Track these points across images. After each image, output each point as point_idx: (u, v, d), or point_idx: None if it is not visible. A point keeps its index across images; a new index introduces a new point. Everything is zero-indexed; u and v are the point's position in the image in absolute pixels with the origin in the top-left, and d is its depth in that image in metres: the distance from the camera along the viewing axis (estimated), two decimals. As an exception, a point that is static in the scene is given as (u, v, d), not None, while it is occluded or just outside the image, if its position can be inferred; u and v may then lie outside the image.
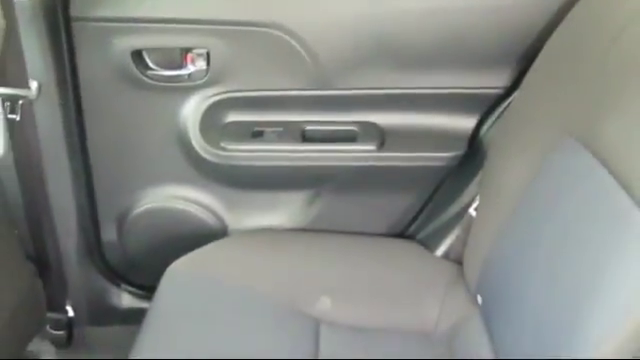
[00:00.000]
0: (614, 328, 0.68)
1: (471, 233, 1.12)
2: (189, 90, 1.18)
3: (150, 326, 1.04)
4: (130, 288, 1.40)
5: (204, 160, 1.20)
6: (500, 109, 1.17)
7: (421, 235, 1.29)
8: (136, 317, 1.12)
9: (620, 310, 0.69)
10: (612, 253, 0.73)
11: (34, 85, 1.11)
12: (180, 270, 1.13)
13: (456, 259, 1.19)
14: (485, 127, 1.19)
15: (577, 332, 0.73)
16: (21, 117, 1.10)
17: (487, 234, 1.04)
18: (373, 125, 1.21)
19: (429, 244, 1.25)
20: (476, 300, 1.05)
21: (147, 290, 1.31)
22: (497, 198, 1.05)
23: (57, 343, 1.41)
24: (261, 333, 1.04)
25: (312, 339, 1.04)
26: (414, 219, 1.29)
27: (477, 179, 1.18)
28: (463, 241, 1.17)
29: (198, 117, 1.19)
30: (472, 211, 1.14)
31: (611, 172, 0.77)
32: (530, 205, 0.94)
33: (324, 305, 1.10)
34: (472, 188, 1.19)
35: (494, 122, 1.18)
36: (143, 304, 1.31)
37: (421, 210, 1.28)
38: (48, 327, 1.38)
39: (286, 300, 1.09)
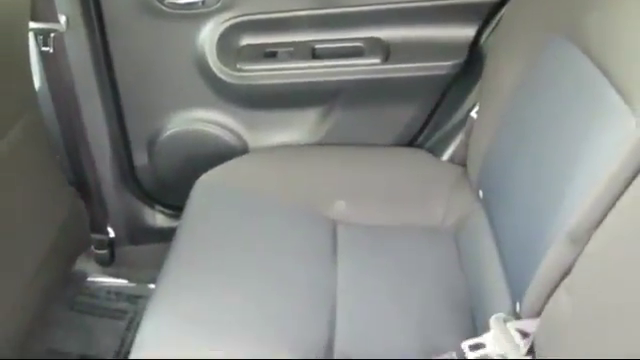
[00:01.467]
0: (588, 196, 0.76)
1: (472, 135, 1.20)
2: (204, 16, 1.26)
3: (184, 232, 1.15)
4: (163, 209, 1.52)
5: (222, 82, 1.29)
6: (497, 17, 1.23)
7: (429, 144, 1.38)
8: (170, 235, 1.22)
9: (593, 182, 0.77)
10: (592, 133, 0.81)
11: (63, 19, 1.20)
12: (207, 183, 1.24)
13: (460, 162, 1.28)
14: (484, 35, 1.26)
15: (560, 203, 0.82)
16: (53, 49, 1.20)
17: (486, 133, 1.12)
18: (378, 40, 1.28)
19: (436, 151, 1.35)
20: (478, 195, 1.14)
21: (179, 210, 1.43)
22: (494, 99, 1.13)
23: (101, 262, 1.55)
24: (284, 234, 1.15)
25: (330, 237, 1.15)
26: (421, 129, 1.37)
27: (478, 85, 1.26)
28: (466, 144, 1.25)
29: (214, 41, 1.28)
30: (473, 114, 1.23)
31: (595, 64, 0.83)
32: (522, 101, 1.02)
33: (340, 208, 1.21)
34: (474, 94, 1.27)
35: (492, 30, 1.24)
36: (176, 223, 1.42)
37: (428, 120, 1.36)
38: (92, 247, 1.53)
39: (305, 205, 1.20)
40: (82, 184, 1.43)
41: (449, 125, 1.33)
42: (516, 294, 0.89)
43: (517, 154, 1.00)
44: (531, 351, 0.81)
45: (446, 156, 1.32)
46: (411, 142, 1.39)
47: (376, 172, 1.29)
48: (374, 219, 1.20)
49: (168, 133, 1.39)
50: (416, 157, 1.34)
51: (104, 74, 1.28)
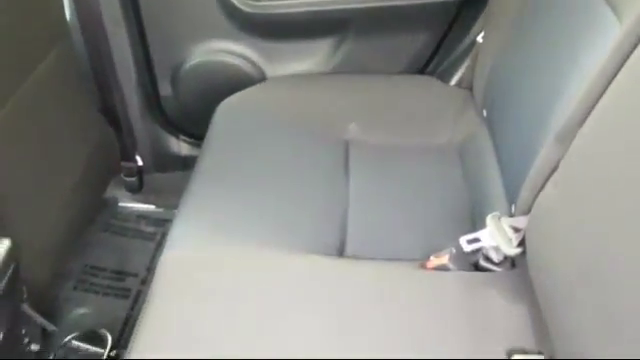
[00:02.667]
0: (574, 99, 0.83)
1: (478, 58, 1.26)
2: (225, -51, 1.33)
3: (206, 152, 1.24)
4: (187, 137, 1.61)
5: (242, 12, 1.35)
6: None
7: (438, 71, 1.44)
8: (194, 163, 1.29)
9: (580, 87, 0.84)
10: (583, 43, 0.87)
11: (91, -50, 1.27)
12: (227, 108, 1.32)
13: (467, 86, 1.35)
14: (490, -39, 1.31)
15: (552, 109, 0.88)
16: (82, -21, 1.27)
17: (490, 55, 1.19)
18: (388, -31, 1.34)
19: (444, 77, 1.41)
20: (482, 114, 1.21)
21: (201, 139, 1.52)
22: (499, 22, 1.18)
23: (130, 188, 1.65)
24: (300, 154, 1.23)
25: (343, 156, 1.23)
26: (431, 57, 1.44)
27: (485, 12, 1.31)
28: (472, 69, 1.32)
29: (234, -27, 1.34)
30: (479, 39, 1.29)
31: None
32: (525, 22, 1.07)
33: (352, 130, 1.29)
34: (481, 21, 1.33)
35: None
36: (199, 151, 1.52)
37: (437, 47, 1.42)
38: (122, 175, 1.63)
39: (320, 128, 1.28)
40: (111, 113, 1.52)
41: (457, 52, 1.39)
42: (511, 197, 0.97)
43: (518, 70, 1.06)
44: (522, 244, 0.89)
45: (454, 81, 1.39)
46: (421, 70, 1.46)
47: (386, 97, 1.36)
48: (384, 140, 1.28)
49: (190, 63, 1.47)
50: (425, 83, 1.40)
51: (130, 6, 1.35)
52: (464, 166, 1.20)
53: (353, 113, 1.31)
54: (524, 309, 0.86)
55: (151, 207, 1.67)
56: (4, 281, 0.84)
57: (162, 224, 1.65)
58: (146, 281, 1.48)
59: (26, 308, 0.93)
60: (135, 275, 1.49)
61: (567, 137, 0.81)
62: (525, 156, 0.92)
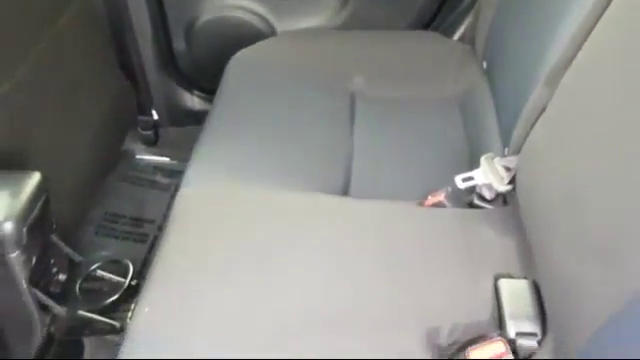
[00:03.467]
0: (562, 43, 0.89)
1: (479, 12, 1.31)
2: None
3: (219, 101, 1.31)
4: (200, 93, 1.68)
5: (252, -32, 1.42)
6: None
7: (442, 27, 1.49)
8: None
9: (568, 33, 0.89)
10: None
11: None
12: (238, 61, 1.39)
13: (469, 42, 1.40)
14: None
15: (544, 55, 0.94)
16: None
17: (490, 8, 1.24)
18: None
19: (448, 33, 1.47)
20: (482, 67, 1.26)
21: (214, 94, 1.59)
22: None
23: (147, 142, 1.73)
24: (308, 104, 1.29)
25: (348, 107, 1.29)
26: (435, 13, 1.49)
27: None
28: (474, 24, 1.37)
29: None
30: (481, -6, 1.34)
31: None
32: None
33: (358, 83, 1.35)
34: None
35: None
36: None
37: (441, 4, 1.47)
38: (139, 129, 1.71)
39: (327, 81, 1.33)
40: (128, 68, 1.59)
41: (460, 8, 1.44)
42: (505, 141, 1.03)
43: (514, 22, 1.12)
44: (512, 182, 0.96)
45: (457, 36, 1.44)
46: (425, 26, 1.51)
47: (392, 52, 1.42)
48: (389, 92, 1.33)
49: (203, 20, 1.53)
50: (429, 39, 1.46)
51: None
52: (464, 116, 1.26)
53: (359, 67, 1.37)
54: (512, 241, 0.93)
55: (166, 160, 1.75)
56: (35, 211, 0.92)
57: (176, 176, 1.72)
58: (162, 227, 1.57)
59: (55, 238, 1.01)
60: (152, 222, 1.57)
61: (555, 80, 0.87)
62: (518, 101, 0.98)
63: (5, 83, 1.08)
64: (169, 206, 1.61)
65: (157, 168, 1.73)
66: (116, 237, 1.53)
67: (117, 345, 0.86)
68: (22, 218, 0.89)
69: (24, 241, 0.90)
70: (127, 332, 0.86)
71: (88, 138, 1.39)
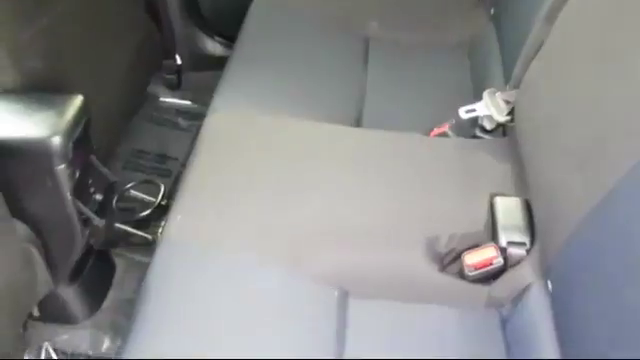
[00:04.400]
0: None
1: (488, -39, 1.38)
2: None
3: (243, 40, 1.39)
4: (222, 39, 1.77)
5: None
6: None
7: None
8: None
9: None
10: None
11: None
12: (259, 5, 1.47)
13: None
14: None
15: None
16: None
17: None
18: None
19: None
20: (490, 14, 1.34)
21: (234, 41, 1.67)
22: None
23: (170, 85, 1.82)
24: (325, 47, 1.37)
25: (363, 50, 1.38)
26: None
27: None
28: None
29: None
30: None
31: None
32: None
33: (372, 27, 1.43)
34: None
35: None
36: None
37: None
38: (163, 73, 1.80)
39: (343, 25, 1.42)
40: (154, 12, 1.67)
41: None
42: (508, 78, 1.11)
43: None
44: (510, 114, 1.04)
45: (466, -14, 1.51)
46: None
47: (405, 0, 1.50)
48: (401, 37, 1.42)
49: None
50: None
51: None
52: (471, 59, 1.34)
53: (374, 12, 1.45)
54: (508, 167, 1.02)
55: (187, 103, 1.84)
56: (79, 130, 1.02)
57: (198, 118, 1.83)
58: (185, 164, 1.67)
59: (94, 159, 1.11)
60: (175, 159, 1.68)
61: (554, 15, 0.95)
62: (521, 39, 1.06)
63: (46, 16, 1.17)
64: (193, 142, 1.75)
65: (179, 111, 1.83)
66: (142, 172, 1.64)
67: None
68: (68, 134, 0.99)
69: (70, 156, 1.00)
70: (161, 237, 0.97)
71: (117, 78, 1.48)
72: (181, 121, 1.82)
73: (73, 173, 1.03)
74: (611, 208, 0.71)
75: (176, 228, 0.96)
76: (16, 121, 1.01)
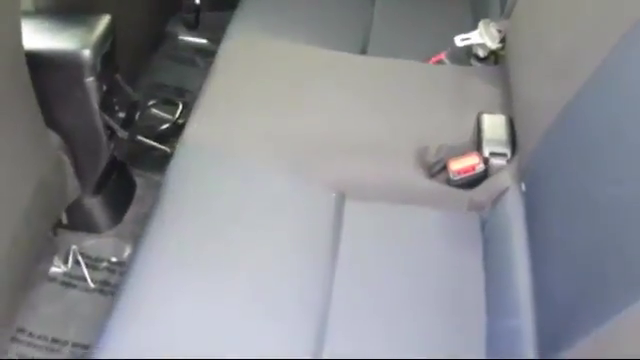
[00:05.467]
0: None
1: None
2: None
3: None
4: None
5: None
6: None
7: None
8: None
9: None
10: None
11: None
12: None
13: None
14: None
15: None
16: None
17: None
18: None
19: None
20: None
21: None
22: None
23: (188, 25, 1.92)
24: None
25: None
26: None
27: None
28: None
29: None
30: None
31: None
32: None
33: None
34: None
35: None
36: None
37: None
38: (184, 13, 1.89)
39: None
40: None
41: None
42: (503, 10, 1.20)
43: None
44: (502, 42, 1.13)
45: None
46: None
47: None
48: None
49: None
50: None
51: None
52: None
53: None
54: (498, 91, 1.11)
55: (205, 42, 1.94)
56: (107, 46, 1.12)
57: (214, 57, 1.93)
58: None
59: (119, 78, 1.22)
60: (192, 92, 1.78)
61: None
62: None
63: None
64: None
65: (197, 49, 1.93)
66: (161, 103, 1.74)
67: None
68: (97, 49, 1.09)
69: (98, 69, 1.10)
70: (179, 143, 1.08)
71: (135, 20, 1.56)
72: (198, 59, 1.92)
73: (100, 86, 1.14)
74: (577, 110, 0.80)
75: (193, 135, 1.07)
76: (50, 36, 1.12)
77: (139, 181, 1.52)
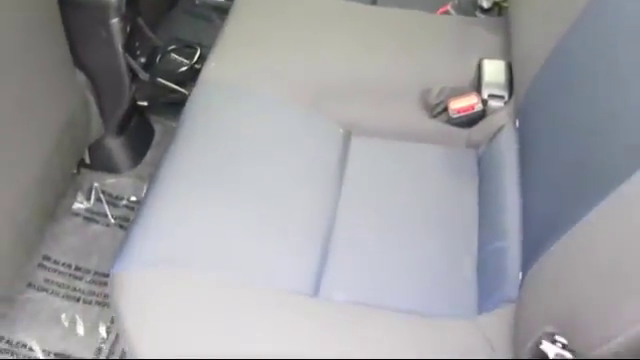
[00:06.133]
0: None
1: None
2: None
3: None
4: None
5: None
6: None
7: None
8: None
9: None
10: None
11: None
12: None
13: None
14: None
15: None
16: None
17: None
18: None
19: None
20: None
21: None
22: None
23: (205, -16, 1.98)
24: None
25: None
26: None
27: None
28: None
29: None
30: None
31: None
32: None
33: None
34: None
35: None
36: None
37: None
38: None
39: None
40: None
41: None
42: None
43: None
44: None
45: None
46: None
47: None
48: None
49: None
50: None
51: None
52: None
53: None
54: (499, 39, 1.17)
55: (222, 0, 2.00)
56: (126, -3, 1.19)
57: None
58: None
59: (141, 22, 1.29)
60: (208, 47, 1.84)
61: None
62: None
63: None
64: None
65: (214, 7, 1.99)
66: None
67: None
68: (123, -9, 1.16)
69: (122, 10, 1.17)
70: (197, 81, 1.15)
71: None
72: (215, 16, 1.98)
73: (124, 28, 1.21)
74: (564, 50, 0.86)
75: (210, 73, 1.14)
76: (77, -22, 1.19)
77: (157, 127, 1.59)
